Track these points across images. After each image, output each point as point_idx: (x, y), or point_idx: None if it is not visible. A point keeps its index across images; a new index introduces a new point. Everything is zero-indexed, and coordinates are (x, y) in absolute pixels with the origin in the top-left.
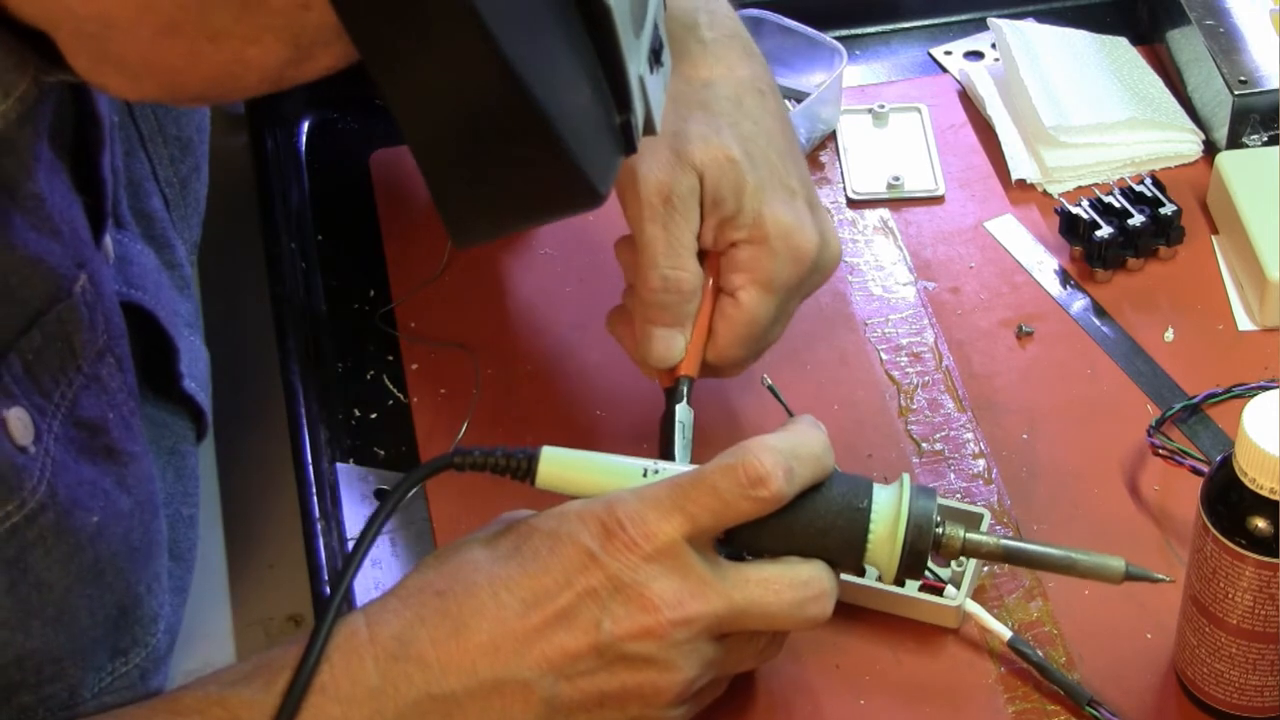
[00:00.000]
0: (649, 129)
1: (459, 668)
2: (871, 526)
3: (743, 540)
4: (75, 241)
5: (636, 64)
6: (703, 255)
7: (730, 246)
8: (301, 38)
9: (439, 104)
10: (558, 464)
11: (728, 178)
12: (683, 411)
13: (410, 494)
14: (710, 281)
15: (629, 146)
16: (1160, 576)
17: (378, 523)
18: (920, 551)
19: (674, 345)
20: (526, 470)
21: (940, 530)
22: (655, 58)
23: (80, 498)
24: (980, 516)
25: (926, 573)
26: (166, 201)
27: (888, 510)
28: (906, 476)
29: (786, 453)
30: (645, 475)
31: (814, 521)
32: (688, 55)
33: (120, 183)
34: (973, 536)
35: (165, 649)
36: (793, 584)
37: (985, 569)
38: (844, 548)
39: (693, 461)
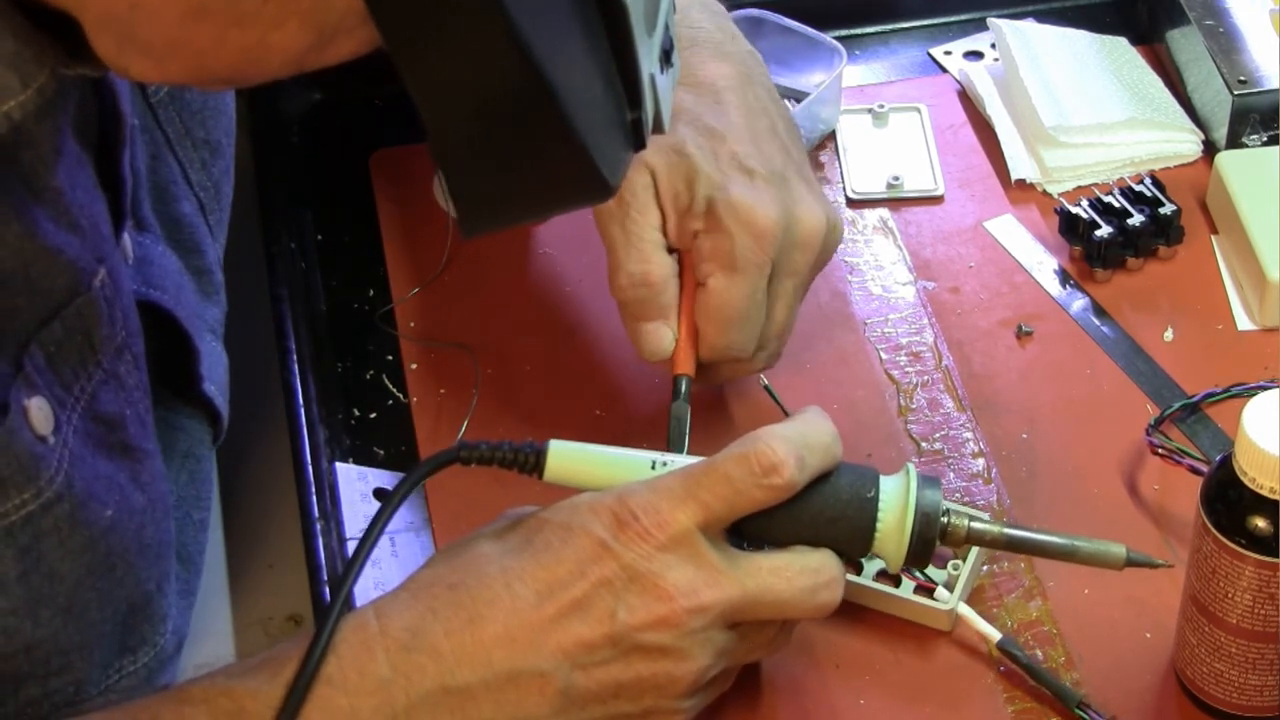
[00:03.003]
0: (658, 127)
1: (474, 659)
2: (880, 515)
3: (752, 530)
4: (95, 237)
5: (649, 62)
6: (682, 257)
7: (693, 239)
8: (326, 24)
9: (459, 92)
10: (565, 457)
11: (679, 170)
12: (678, 408)
13: (413, 490)
14: (689, 280)
15: (639, 143)
16: (1160, 561)
17: (388, 512)
18: (928, 540)
19: (662, 338)
20: (534, 464)
21: (946, 519)
22: (666, 58)
23: (96, 491)
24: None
25: (920, 574)
26: (202, 206)
27: (895, 499)
28: (911, 466)
29: (798, 441)
30: (654, 468)
31: (823, 511)
32: None
33: (142, 185)
34: (977, 525)
35: (172, 650)
36: (804, 571)
37: (984, 568)
38: (853, 537)
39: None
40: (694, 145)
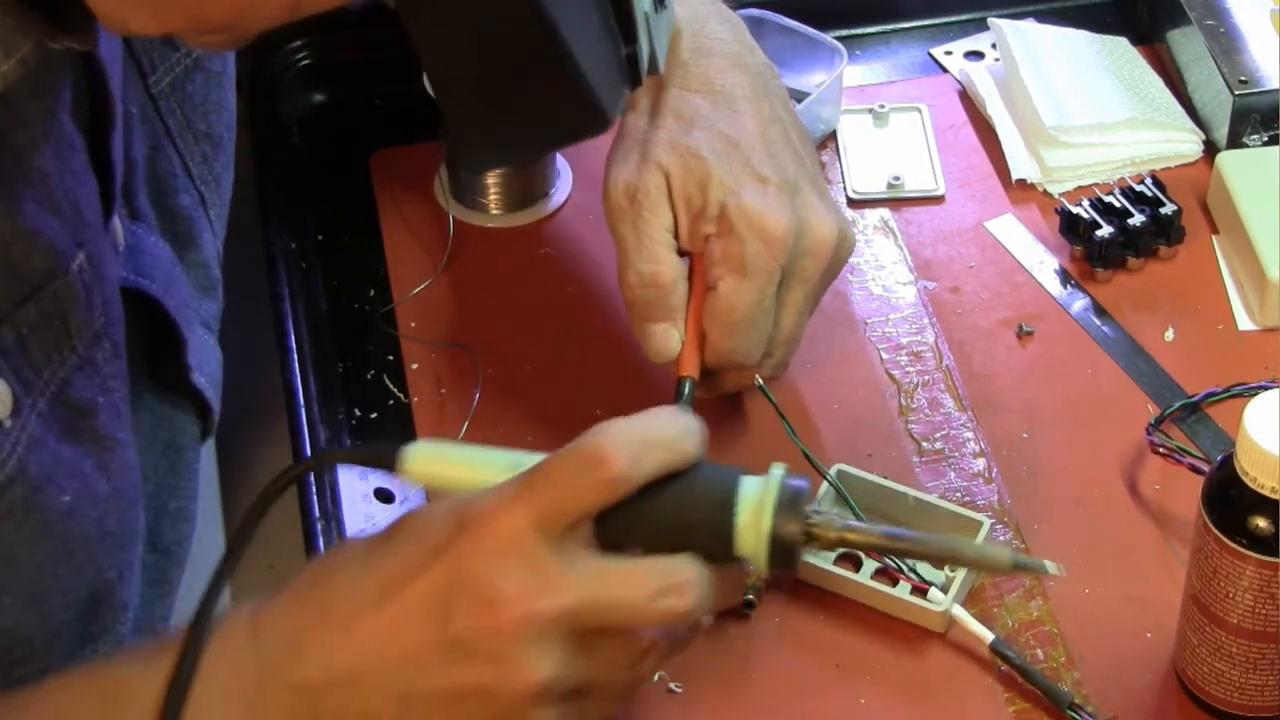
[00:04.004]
0: (653, 68)
1: (321, 657)
2: (738, 516)
3: (612, 535)
4: (76, 221)
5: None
6: (693, 261)
7: (705, 243)
8: None
9: (459, 28)
10: (427, 460)
11: (694, 174)
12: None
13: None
14: (699, 284)
15: (634, 79)
16: (1049, 566)
17: (251, 522)
18: (786, 540)
19: (669, 339)
20: (393, 465)
21: (810, 520)
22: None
23: (54, 476)
24: (979, 524)
25: (912, 574)
26: (203, 199)
27: (753, 500)
28: (776, 466)
29: (634, 436)
30: (514, 468)
31: (679, 512)
32: (666, 75)
33: (139, 175)
34: (850, 524)
35: (131, 640)
36: (652, 574)
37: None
38: (711, 541)
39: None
40: (709, 150)
